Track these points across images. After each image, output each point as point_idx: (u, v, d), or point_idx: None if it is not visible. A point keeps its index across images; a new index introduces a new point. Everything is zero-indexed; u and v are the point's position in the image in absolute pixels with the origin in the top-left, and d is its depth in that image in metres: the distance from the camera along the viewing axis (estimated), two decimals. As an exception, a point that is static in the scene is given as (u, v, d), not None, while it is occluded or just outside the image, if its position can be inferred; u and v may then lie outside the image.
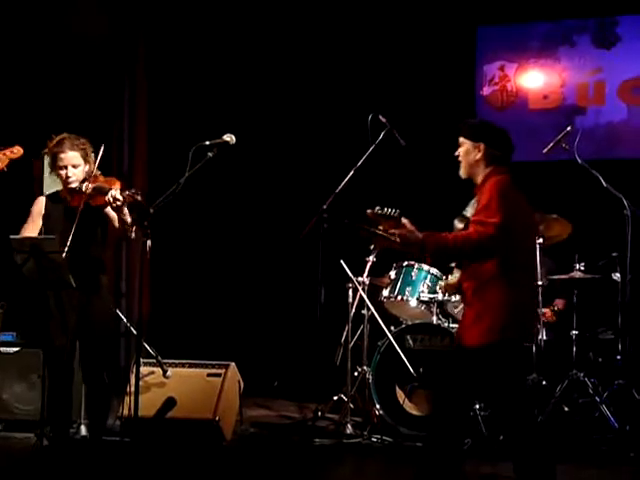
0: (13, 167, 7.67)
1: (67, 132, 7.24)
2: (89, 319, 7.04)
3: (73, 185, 7.08)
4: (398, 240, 6.13)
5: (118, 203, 6.75)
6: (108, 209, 6.98)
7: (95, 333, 7.08)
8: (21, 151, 7.54)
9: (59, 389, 7.06)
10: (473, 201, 6.23)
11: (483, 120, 6.32)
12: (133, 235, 7.03)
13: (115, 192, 6.77)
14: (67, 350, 7.02)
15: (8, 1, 10.05)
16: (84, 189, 6.97)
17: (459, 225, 6.28)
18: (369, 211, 6.36)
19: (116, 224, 7.04)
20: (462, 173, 6.18)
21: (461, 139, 6.18)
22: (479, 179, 6.09)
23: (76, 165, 7.09)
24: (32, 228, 7.14)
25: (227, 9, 10.82)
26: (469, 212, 6.26)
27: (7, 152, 7.46)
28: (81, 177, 7.09)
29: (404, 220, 6.12)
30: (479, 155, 6.12)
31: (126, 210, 6.83)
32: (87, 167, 7.14)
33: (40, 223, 7.18)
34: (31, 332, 7.83)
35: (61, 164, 7.11)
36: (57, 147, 7.12)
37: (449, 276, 8.22)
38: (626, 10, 10.19)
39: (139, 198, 6.66)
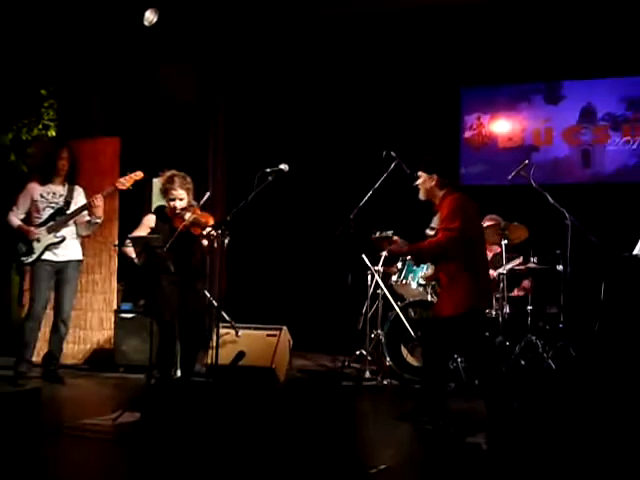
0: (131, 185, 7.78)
1: (174, 168, 7.30)
2: (188, 305, 7.09)
3: (177, 211, 7.14)
4: (393, 252, 6.37)
5: (211, 237, 6.86)
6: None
7: (190, 312, 7.12)
8: (142, 175, 7.71)
9: (167, 345, 7.14)
10: (435, 217, 6.32)
11: (435, 155, 6.39)
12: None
13: (211, 229, 6.85)
14: (172, 321, 7.10)
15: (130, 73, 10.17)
16: (186, 217, 7.00)
17: (430, 233, 6.39)
18: (372, 237, 6.52)
19: (204, 246, 7.16)
20: (421, 197, 6.35)
21: (419, 172, 6.32)
22: (437, 200, 6.24)
23: (182, 198, 7.15)
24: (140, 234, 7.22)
25: (282, 78, 10.88)
26: (434, 223, 6.34)
27: (132, 175, 7.67)
28: (185, 206, 7.15)
29: (395, 238, 6.34)
30: (434, 182, 6.24)
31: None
32: (188, 198, 7.20)
33: (146, 233, 7.20)
34: (148, 307, 7.89)
35: (171, 197, 7.17)
36: (169, 184, 7.18)
37: (429, 268, 8.25)
38: (568, 77, 10.17)
39: (226, 240, 6.66)
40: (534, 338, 8.12)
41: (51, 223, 7.86)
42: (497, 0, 9.67)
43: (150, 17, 9.22)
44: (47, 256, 7.86)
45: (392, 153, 8.29)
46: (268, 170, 6.82)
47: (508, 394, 6.16)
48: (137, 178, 7.77)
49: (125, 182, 7.74)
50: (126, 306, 9.03)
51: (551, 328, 8.41)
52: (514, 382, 7.54)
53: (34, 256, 7.82)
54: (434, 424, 6.16)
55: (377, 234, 6.52)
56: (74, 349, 9.21)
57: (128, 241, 6.96)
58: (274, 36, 10.44)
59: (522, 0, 9.64)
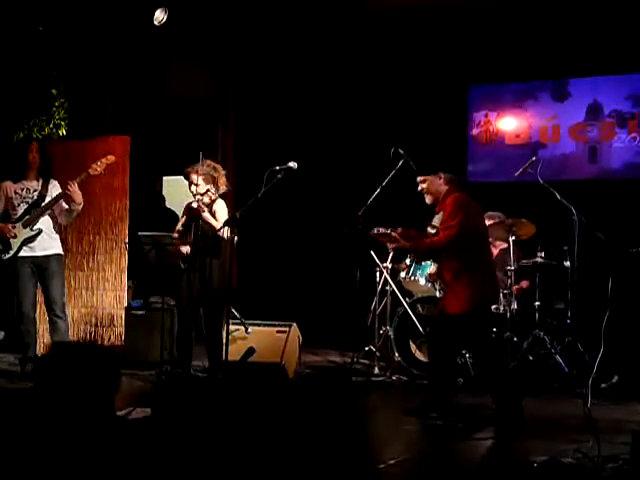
0: (141, 183, 7.73)
1: (184, 162, 7.47)
2: (207, 291, 7.20)
3: (195, 195, 7.29)
4: (393, 247, 6.39)
5: (201, 206, 7.30)
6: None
7: (211, 300, 7.24)
8: (113, 159, 7.68)
9: (185, 340, 7.20)
10: (437, 215, 6.29)
11: (432, 156, 6.49)
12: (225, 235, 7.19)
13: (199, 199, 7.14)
14: (190, 312, 7.17)
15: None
16: (193, 205, 7.29)
17: (431, 231, 6.33)
18: (371, 232, 6.54)
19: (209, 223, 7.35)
20: (429, 200, 6.34)
21: (421, 178, 6.31)
22: (440, 198, 6.22)
23: (197, 184, 7.41)
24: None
25: (291, 77, 10.87)
26: (436, 221, 6.28)
27: (104, 160, 7.58)
28: (202, 192, 7.32)
29: (394, 234, 6.32)
30: (441, 180, 6.25)
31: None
32: (207, 185, 7.40)
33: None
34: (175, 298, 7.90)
35: (190, 180, 7.43)
36: (189, 167, 7.42)
37: (432, 266, 8.20)
38: (574, 74, 10.12)
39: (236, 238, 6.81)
40: (542, 333, 8.06)
41: (26, 217, 7.66)
42: (504, 0, 9.65)
43: (160, 16, 9.18)
44: (25, 252, 7.65)
45: (400, 150, 8.25)
46: (277, 168, 6.82)
47: (515, 389, 6.15)
48: (108, 162, 7.70)
49: (97, 167, 7.64)
50: (137, 303, 8.99)
51: (559, 323, 8.37)
52: (522, 377, 7.50)
53: (12, 252, 7.62)
54: (443, 419, 6.16)
55: (375, 230, 6.52)
56: (85, 346, 9.19)
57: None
58: (283, 35, 10.42)
59: (528, -1, 9.63)
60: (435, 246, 6.23)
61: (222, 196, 7.62)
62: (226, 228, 7.28)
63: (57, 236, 7.87)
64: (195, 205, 7.35)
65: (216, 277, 7.47)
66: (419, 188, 6.36)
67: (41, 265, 7.73)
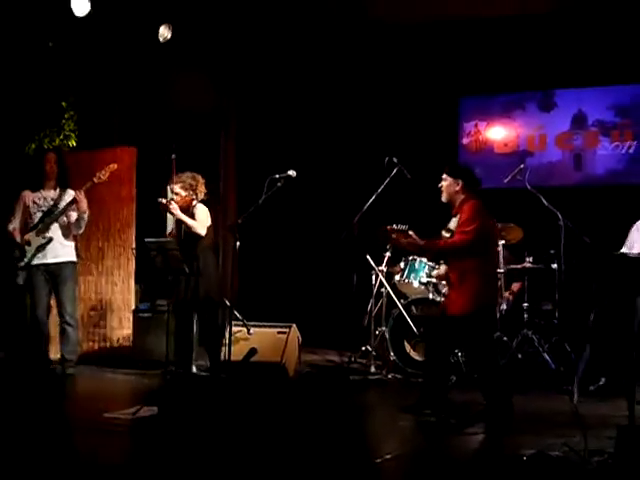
0: (148, 190, 7.76)
1: (187, 172, 7.45)
2: (193, 293, 7.20)
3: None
4: (407, 246, 6.33)
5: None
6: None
7: (197, 302, 7.24)
8: (116, 166, 7.70)
9: (185, 340, 7.37)
10: (454, 218, 6.25)
11: (461, 162, 6.41)
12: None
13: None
14: (183, 314, 7.20)
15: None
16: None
17: (446, 234, 6.29)
18: (388, 227, 6.47)
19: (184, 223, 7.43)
20: (444, 199, 6.33)
21: (444, 175, 6.30)
22: (457, 203, 6.21)
23: (176, 193, 7.49)
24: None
25: (290, 89, 10.88)
26: (452, 225, 6.25)
27: (107, 168, 7.59)
28: (178, 200, 7.43)
29: (410, 232, 6.28)
30: (458, 187, 6.23)
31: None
32: (187, 193, 7.44)
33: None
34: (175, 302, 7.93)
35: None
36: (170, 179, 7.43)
37: (441, 267, 8.20)
38: (560, 85, 10.18)
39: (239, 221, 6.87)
40: (530, 333, 8.08)
41: (39, 225, 7.67)
42: (491, 16, 9.67)
43: (164, 33, 9.18)
44: (39, 260, 7.66)
45: (394, 159, 8.28)
46: (277, 176, 6.84)
47: (505, 386, 6.15)
48: (112, 169, 7.70)
49: (101, 176, 7.62)
50: (144, 306, 9.00)
51: (546, 323, 8.38)
52: (511, 375, 7.51)
53: (26, 260, 7.63)
54: (437, 415, 6.16)
55: (393, 226, 6.47)
56: (94, 347, 9.19)
57: None
58: (281, 49, 10.43)
59: (515, 15, 9.62)
60: (449, 248, 6.21)
61: (207, 203, 7.64)
62: (204, 226, 7.33)
63: (70, 244, 7.84)
64: (164, 201, 7.40)
65: (203, 280, 7.39)
66: (440, 184, 6.36)
67: (54, 272, 7.72)
